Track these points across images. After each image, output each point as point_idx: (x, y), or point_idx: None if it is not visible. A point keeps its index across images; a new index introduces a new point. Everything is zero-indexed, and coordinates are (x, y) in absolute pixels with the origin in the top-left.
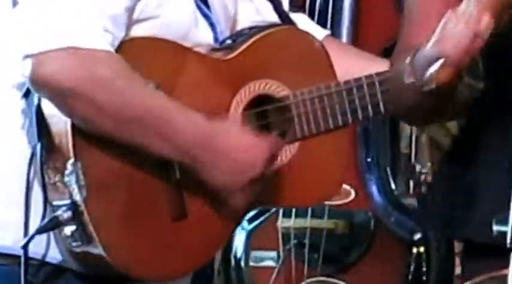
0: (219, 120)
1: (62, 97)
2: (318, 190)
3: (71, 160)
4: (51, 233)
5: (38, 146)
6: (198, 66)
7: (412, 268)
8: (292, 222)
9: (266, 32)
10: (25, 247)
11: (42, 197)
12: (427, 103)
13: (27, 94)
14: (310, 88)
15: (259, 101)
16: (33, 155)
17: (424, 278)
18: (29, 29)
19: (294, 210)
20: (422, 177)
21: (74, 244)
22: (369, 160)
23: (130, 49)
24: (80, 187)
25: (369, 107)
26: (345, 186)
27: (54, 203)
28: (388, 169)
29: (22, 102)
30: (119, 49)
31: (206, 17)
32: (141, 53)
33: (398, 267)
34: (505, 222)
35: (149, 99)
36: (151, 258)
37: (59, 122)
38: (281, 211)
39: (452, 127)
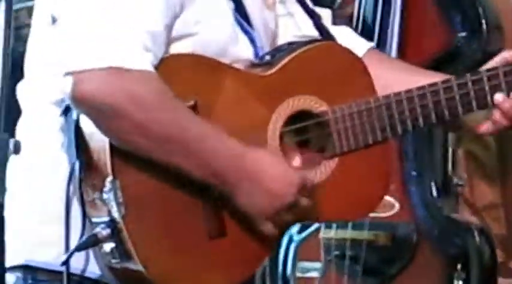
0: (254, 147)
1: (101, 116)
2: (358, 205)
3: (109, 178)
4: (91, 249)
5: (77, 164)
6: (237, 82)
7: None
8: (333, 233)
9: (305, 48)
10: (65, 263)
11: (81, 214)
12: None
13: (66, 112)
14: (349, 103)
15: (298, 117)
16: (72, 172)
17: None
18: (70, 47)
19: None
20: (459, 189)
21: (113, 260)
22: (413, 173)
23: (168, 66)
24: (118, 205)
25: (408, 121)
26: (389, 199)
27: (93, 220)
28: (433, 183)
29: (61, 119)
30: (158, 66)
31: (246, 33)
32: (178, 70)
33: (440, 281)
34: None
35: (187, 121)
36: (189, 275)
37: (98, 140)
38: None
39: (489, 140)
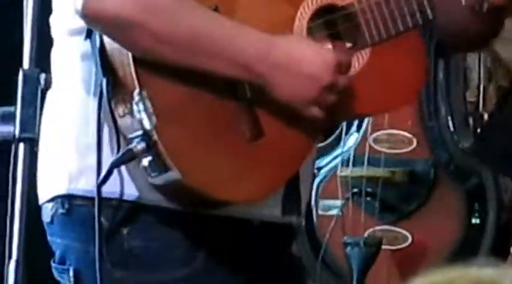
0: (279, 34)
1: (117, 29)
2: (399, 94)
3: (137, 90)
4: (125, 171)
5: (104, 81)
6: None
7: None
8: (349, 171)
9: None
10: (100, 186)
11: (114, 132)
12: (476, 26)
13: (89, 35)
14: None
15: (324, 12)
16: (101, 92)
17: (483, 224)
18: None
19: (351, 157)
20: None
21: (152, 174)
22: (431, 108)
23: None
24: (149, 115)
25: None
26: (406, 134)
27: (129, 136)
28: (449, 118)
29: (88, 45)
30: None
31: None
32: None
33: (458, 218)
34: None
35: (208, 21)
36: (230, 179)
37: (121, 54)
38: (339, 159)
39: None
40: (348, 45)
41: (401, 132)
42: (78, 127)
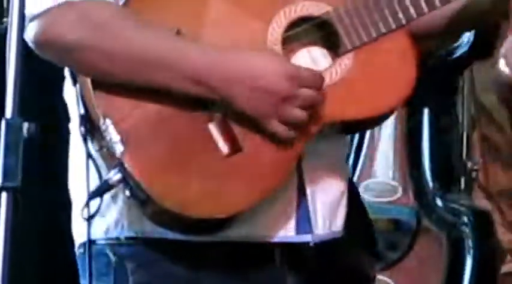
0: (235, 49)
1: (68, 53)
2: (386, 97)
3: (101, 120)
4: (125, 207)
5: (79, 120)
6: (222, 3)
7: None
8: None
9: None
10: (89, 220)
11: (94, 166)
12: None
13: (75, 82)
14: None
15: (300, 24)
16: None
17: (466, 274)
18: None
19: None
20: (474, 174)
21: (136, 203)
22: (417, 157)
23: (142, 1)
24: (115, 143)
25: (422, 3)
26: (392, 183)
27: (106, 168)
28: (436, 167)
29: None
30: (128, 3)
31: None
32: (154, 2)
33: (442, 263)
34: None
35: (158, 38)
36: (210, 195)
37: (84, 88)
38: None
39: (505, 123)
40: (326, 51)
41: (387, 181)
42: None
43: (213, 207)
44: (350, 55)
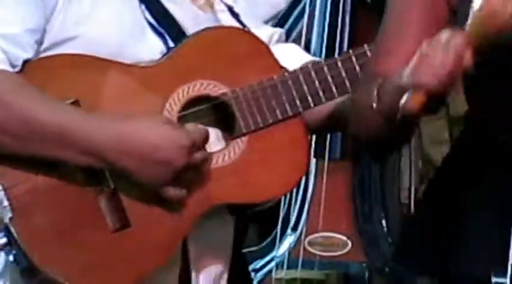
0: (131, 118)
1: None
2: (277, 182)
3: None
4: (9, 275)
5: None
6: (122, 76)
7: None
8: (284, 273)
9: (199, 32)
10: None
11: None
12: (388, 132)
13: None
14: (251, 84)
15: (197, 103)
16: None
17: None
18: None
19: (285, 261)
20: None
21: (20, 269)
22: (365, 210)
23: (40, 68)
24: (4, 209)
25: (320, 93)
26: (342, 237)
27: None
28: (384, 221)
29: None
30: (25, 69)
31: (153, 27)
32: (51, 72)
33: None
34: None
35: (51, 109)
36: (94, 269)
37: None
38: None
39: None
40: (220, 133)
41: (336, 235)
42: None
43: (96, 282)
44: (244, 138)
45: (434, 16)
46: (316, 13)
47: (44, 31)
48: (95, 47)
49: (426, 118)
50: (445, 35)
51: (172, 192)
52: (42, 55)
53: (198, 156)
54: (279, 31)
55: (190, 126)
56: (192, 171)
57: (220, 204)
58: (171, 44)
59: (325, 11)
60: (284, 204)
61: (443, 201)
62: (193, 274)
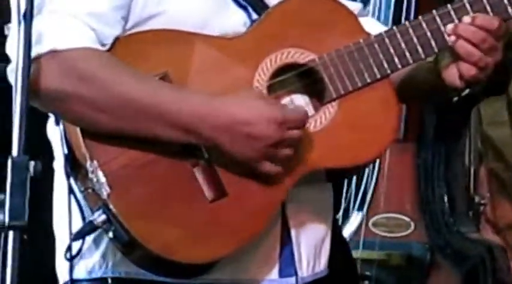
0: (221, 95)
1: (54, 103)
2: (369, 146)
3: (88, 162)
4: (108, 252)
5: (63, 160)
6: (210, 49)
7: None
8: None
9: (282, 2)
10: (71, 258)
11: (77, 207)
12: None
13: (57, 122)
14: (338, 48)
15: (286, 71)
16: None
17: None
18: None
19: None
20: (481, 208)
21: (119, 245)
22: (429, 192)
23: (127, 45)
24: (103, 186)
25: (407, 54)
26: (404, 218)
27: (94, 209)
28: (447, 202)
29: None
30: (114, 46)
31: (236, 1)
32: (140, 48)
33: None
34: None
35: (143, 86)
36: (195, 239)
37: (72, 131)
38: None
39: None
40: (309, 100)
41: (400, 216)
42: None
43: (196, 252)
44: (334, 103)
45: None
46: None
47: (129, 7)
48: (178, 23)
49: (486, 99)
50: None
51: (269, 167)
52: (128, 33)
53: (295, 133)
54: (359, 6)
55: (290, 106)
56: (289, 148)
57: (318, 169)
58: (255, 16)
59: None
60: (348, 184)
61: None
62: (294, 238)
